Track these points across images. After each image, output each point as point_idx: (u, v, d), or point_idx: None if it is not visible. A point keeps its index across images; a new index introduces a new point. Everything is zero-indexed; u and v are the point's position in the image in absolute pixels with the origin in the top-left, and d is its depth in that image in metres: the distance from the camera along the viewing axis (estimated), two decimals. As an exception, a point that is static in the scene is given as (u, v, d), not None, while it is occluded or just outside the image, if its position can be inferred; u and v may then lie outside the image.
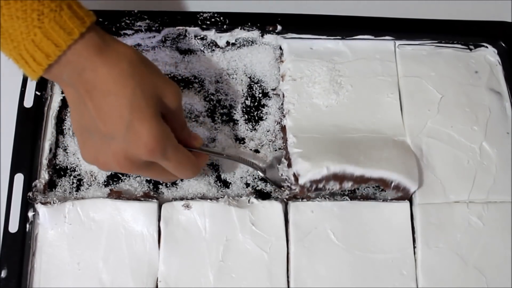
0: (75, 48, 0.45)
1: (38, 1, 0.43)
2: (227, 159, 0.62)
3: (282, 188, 0.62)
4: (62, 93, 0.65)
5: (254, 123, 0.66)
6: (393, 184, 0.59)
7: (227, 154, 0.61)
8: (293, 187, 0.60)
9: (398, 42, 0.69)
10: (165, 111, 0.50)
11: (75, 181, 0.62)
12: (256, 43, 0.69)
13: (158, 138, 0.47)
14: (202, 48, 0.69)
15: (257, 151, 0.65)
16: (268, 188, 0.63)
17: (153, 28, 0.67)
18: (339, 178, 0.59)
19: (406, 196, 0.61)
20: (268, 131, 0.65)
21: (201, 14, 0.68)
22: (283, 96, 0.66)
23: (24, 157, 0.61)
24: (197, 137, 0.57)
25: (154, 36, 0.68)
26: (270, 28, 0.68)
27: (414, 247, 0.59)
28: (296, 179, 0.59)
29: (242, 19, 0.68)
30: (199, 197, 0.61)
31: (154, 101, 0.48)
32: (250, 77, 0.68)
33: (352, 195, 0.62)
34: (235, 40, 0.69)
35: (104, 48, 0.46)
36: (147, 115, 0.47)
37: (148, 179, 0.62)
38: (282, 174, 0.62)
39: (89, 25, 0.45)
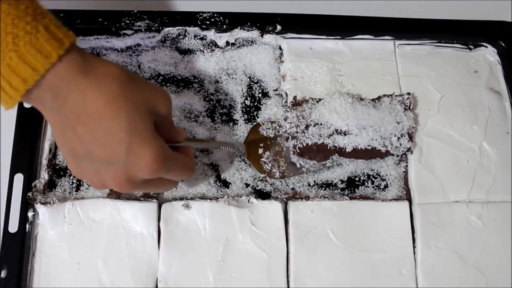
0: (56, 71, 0.43)
1: (12, 24, 0.40)
2: (209, 147, 0.63)
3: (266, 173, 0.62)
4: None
5: (253, 123, 0.66)
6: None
7: (207, 141, 0.63)
8: (273, 170, 0.61)
9: (397, 42, 0.69)
10: (157, 118, 0.49)
11: (74, 181, 0.62)
12: (255, 43, 0.69)
13: (160, 157, 0.46)
14: (201, 48, 0.69)
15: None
16: (268, 188, 0.63)
17: (153, 28, 0.67)
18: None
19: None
20: (267, 131, 0.65)
21: (201, 14, 0.68)
22: (286, 96, 0.66)
23: (24, 157, 0.61)
24: (182, 131, 0.55)
25: (154, 36, 0.68)
26: (270, 28, 0.68)
27: (414, 247, 0.60)
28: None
29: (241, 19, 0.68)
30: (199, 197, 0.61)
31: (149, 117, 0.47)
32: (249, 77, 0.68)
33: (352, 195, 0.62)
34: (235, 40, 0.69)
35: (88, 68, 0.44)
36: (146, 135, 0.46)
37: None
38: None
39: (68, 46, 0.43)
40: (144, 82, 0.49)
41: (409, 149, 0.62)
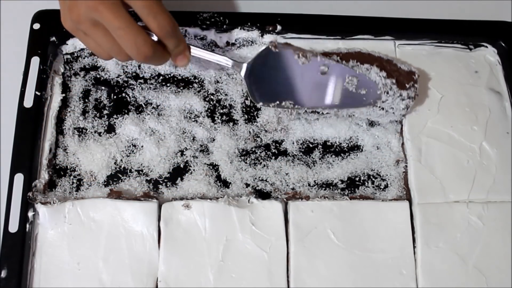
0: None
1: None
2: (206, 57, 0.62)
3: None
4: (62, 93, 0.65)
5: (253, 123, 0.66)
6: None
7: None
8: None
9: (398, 42, 0.69)
10: None
11: (75, 181, 0.62)
12: (256, 43, 0.69)
13: None
14: (202, 48, 0.69)
15: (257, 151, 0.65)
16: (268, 188, 0.63)
17: (153, 28, 0.67)
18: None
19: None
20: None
21: (201, 14, 0.68)
22: None
23: (24, 157, 0.61)
24: None
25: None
26: (270, 28, 0.68)
27: (414, 247, 0.60)
28: None
29: (241, 19, 0.68)
30: (199, 197, 0.61)
31: None
32: (250, 77, 0.68)
33: (352, 195, 0.62)
34: (235, 40, 0.69)
35: None
36: None
37: (148, 178, 0.63)
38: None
39: None
40: None
41: (414, 75, 0.62)
